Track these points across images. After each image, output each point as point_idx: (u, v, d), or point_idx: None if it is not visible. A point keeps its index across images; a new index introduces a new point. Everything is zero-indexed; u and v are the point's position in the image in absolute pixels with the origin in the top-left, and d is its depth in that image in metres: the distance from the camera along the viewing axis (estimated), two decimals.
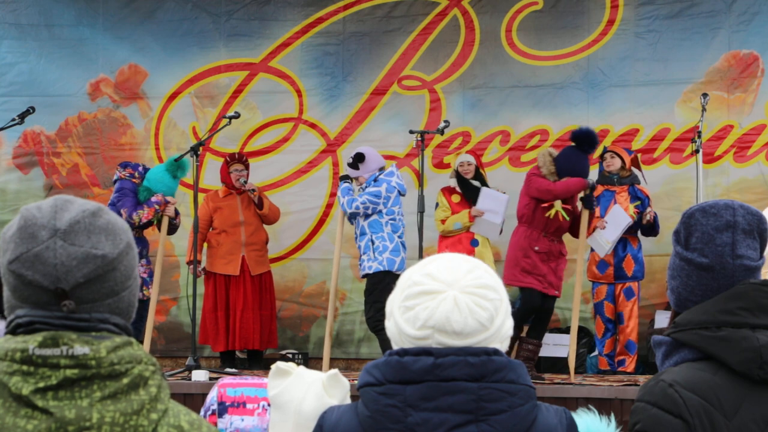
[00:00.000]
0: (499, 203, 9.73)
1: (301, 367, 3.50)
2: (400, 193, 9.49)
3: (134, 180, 9.74)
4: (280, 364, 3.48)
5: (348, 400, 3.38)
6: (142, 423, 1.90)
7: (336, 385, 3.38)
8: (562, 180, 9.01)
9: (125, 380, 1.90)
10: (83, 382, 1.88)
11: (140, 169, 9.86)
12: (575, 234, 9.25)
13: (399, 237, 9.40)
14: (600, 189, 9.80)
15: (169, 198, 9.59)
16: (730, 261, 2.45)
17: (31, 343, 1.88)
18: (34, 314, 1.92)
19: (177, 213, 9.70)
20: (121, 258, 1.97)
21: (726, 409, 2.33)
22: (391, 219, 9.39)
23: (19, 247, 1.93)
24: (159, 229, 9.65)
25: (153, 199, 9.56)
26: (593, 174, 9.53)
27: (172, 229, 9.84)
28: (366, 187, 9.42)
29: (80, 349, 1.88)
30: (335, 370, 3.43)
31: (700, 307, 2.44)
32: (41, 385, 1.87)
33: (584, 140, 9.04)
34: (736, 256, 2.46)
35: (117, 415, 1.88)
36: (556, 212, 9.07)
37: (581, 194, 9.09)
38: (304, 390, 3.37)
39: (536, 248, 9.04)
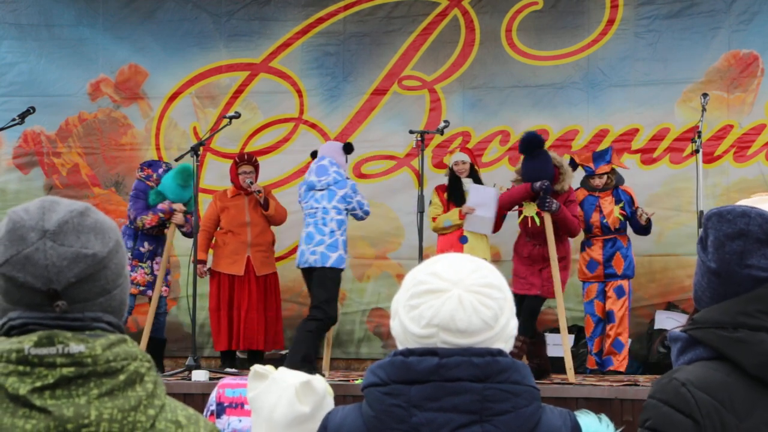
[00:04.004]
0: (488, 197, 9.75)
1: (281, 370, 3.48)
2: (308, 188, 9.63)
3: (149, 182, 9.95)
4: (257, 367, 3.46)
5: (326, 407, 3.37)
6: (140, 419, 1.90)
7: (309, 392, 3.35)
8: (507, 190, 9.41)
9: (122, 377, 1.90)
10: (80, 380, 1.88)
11: (161, 170, 10.01)
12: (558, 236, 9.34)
13: (305, 228, 9.63)
14: (584, 193, 9.86)
15: (174, 206, 9.73)
16: (737, 270, 2.43)
17: (26, 343, 1.88)
18: (28, 316, 1.93)
19: (186, 220, 9.79)
20: (111, 256, 1.97)
21: (738, 411, 2.32)
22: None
23: (8, 250, 1.93)
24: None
25: (159, 206, 9.75)
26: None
27: (190, 235, 9.86)
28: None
29: (76, 347, 1.88)
30: (309, 377, 3.41)
31: (719, 306, 2.43)
32: (38, 384, 1.87)
33: (525, 146, 9.23)
34: (745, 265, 2.43)
35: (115, 411, 1.88)
36: (525, 218, 9.25)
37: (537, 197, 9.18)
38: (277, 396, 3.35)
39: (521, 253, 9.31)
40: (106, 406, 1.88)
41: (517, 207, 9.35)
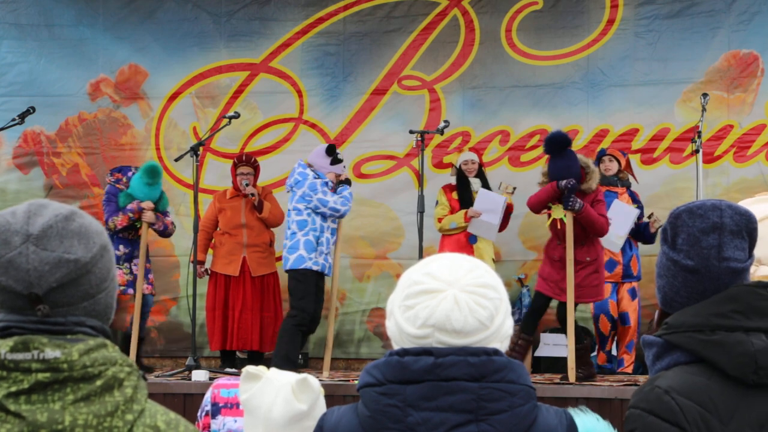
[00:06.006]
0: (497, 204, 9.74)
1: (273, 370, 3.48)
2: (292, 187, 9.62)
3: (119, 185, 9.89)
4: (250, 368, 3.47)
5: (320, 404, 3.37)
6: (117, 424, 1.91)
7: (305, 389, 3.35)
8: (537, 192, 9.01)
9: (99, 382, 1.91)
10: (56, 386, 1.89)
11: (130, 173, 9.96)
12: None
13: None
14: (602, 189, 9.65)
15: (143, 204, 9.66)
16: (715, 264, 2.42)
17: (2, 348, 1.90)
18: (10, 319, 1.94)
19: (157, 218, 9.76)
20: (95, 261, 1.98)
21: (722, 415, 2.31)
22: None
23: None
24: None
25: (128, 206, 9.70)
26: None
27: (165, 233, 9.97)
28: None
29: (51, 352, 1.89)
30: (305, 375, 3.42)
31: (693, 309, 2.41)
32: (13, 389, 1.88)
33: (551, 146, 8.88)
34: (722, 258, 2.42)
35: (90, 417, 1.89)
36: (554, 220, 8.94)
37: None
38: (273, 395, 3.35)
39: (552, 256, 8.95)
40: (81, 412, 1.89)
41: (545, 210, 9.00)
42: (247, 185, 10.15)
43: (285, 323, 9.49)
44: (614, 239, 9.65)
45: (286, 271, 9.54)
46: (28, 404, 1.88)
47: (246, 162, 10.32)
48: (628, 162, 10.17)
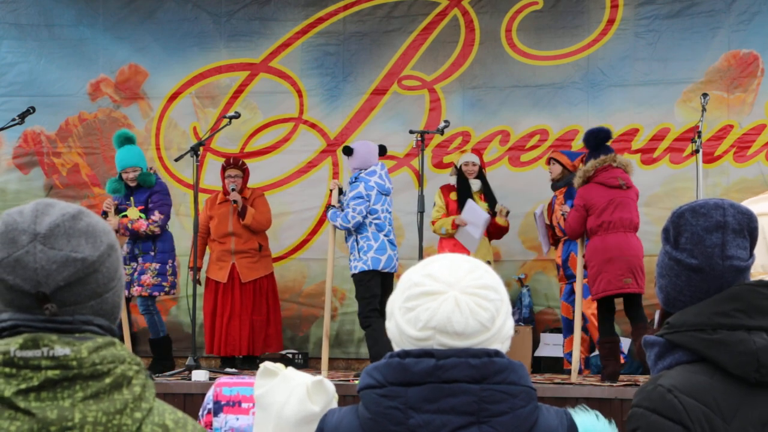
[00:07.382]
0: (479, 219, 9.78)
1: (290, 369, 3.48)
2: (382, 192, 9.31)
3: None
4: (268, 364, 3.47)
5: (333, 406, 3.37)
6: (126, 422, 1.91)
7: (320, 391, 3.36)
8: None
9: (108, 380, 1.91)
10: (65, 383, 1.89)
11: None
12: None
13: (385, 235, 9.29)
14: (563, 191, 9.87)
15: (105, 203, 9.86)
16: (719, 262, 2.43)
17: (12, 345, 1.90)
18: (18, 318, 1.94)
19: (116, 211, 9.81)
20: (102, 260, 1.98)
21: (725, 413, 2.32)
22: (375, 218, 9.27)
23: (0, 253, 1.95)
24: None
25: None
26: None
27: (138, 234, 9.84)
28: (350, 189, 9.40)
29: (61, 350, 1.90)
30: (320, 377, 3.42)
31: (694, 308, 2.42)
32: (23, 386, 1.88)
33: (596, 140, 9.20)
34: (726, 257, 2.43)
35: (99, 414, 1.89)
36: None
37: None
38: (287, 394, 3.36)
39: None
40: (91, 409, 1.89)
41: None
42: (233, 190, 10.10)
43: None
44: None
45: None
46: (37, 401, 1.89)
47: (234, 165, 10.27)
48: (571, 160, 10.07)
